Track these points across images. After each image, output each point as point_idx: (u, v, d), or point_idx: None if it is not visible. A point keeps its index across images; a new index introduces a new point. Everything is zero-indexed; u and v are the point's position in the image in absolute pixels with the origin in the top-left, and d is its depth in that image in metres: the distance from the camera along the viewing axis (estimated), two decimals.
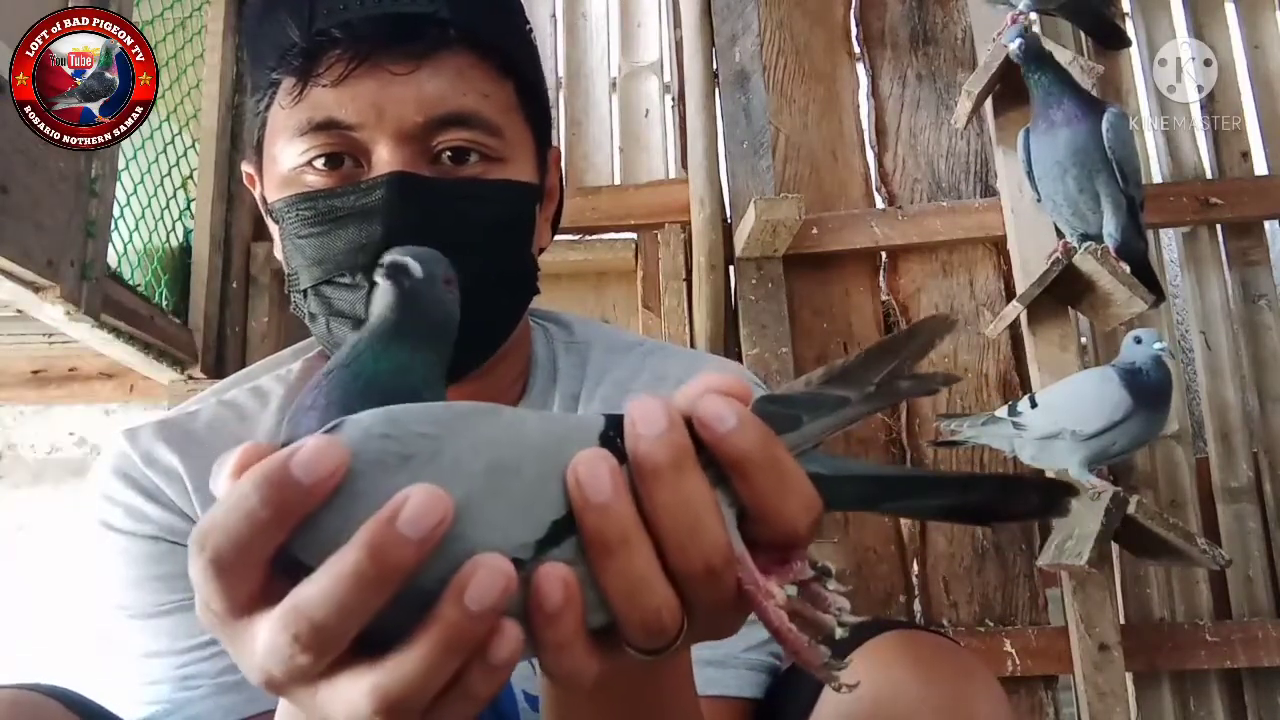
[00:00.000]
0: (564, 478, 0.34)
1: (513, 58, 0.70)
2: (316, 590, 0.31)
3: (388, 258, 0.43)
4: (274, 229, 0.71)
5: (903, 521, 1.70)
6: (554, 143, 0.77)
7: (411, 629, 0.32)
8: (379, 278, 0.42)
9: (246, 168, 0.76)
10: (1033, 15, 1.60)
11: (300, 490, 0.32)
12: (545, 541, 0.34)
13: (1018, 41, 1.48)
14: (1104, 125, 1.43)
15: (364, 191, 0.64)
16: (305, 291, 0.68)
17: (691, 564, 0.35)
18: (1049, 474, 1.58)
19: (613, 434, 0.36)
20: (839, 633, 0.37)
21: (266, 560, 0.33)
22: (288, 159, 0.66)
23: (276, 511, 0.32)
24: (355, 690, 0.33)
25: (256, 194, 0.74)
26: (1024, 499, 0.40)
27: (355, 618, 0.32)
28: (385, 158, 0.64)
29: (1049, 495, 0.39)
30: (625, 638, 0.35)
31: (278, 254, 0.72)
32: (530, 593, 0.33)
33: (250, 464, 0.33)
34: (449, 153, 0.66)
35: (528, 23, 0.75)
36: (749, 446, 0.35)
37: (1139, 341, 1.42)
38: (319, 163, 0.66)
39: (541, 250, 0.76)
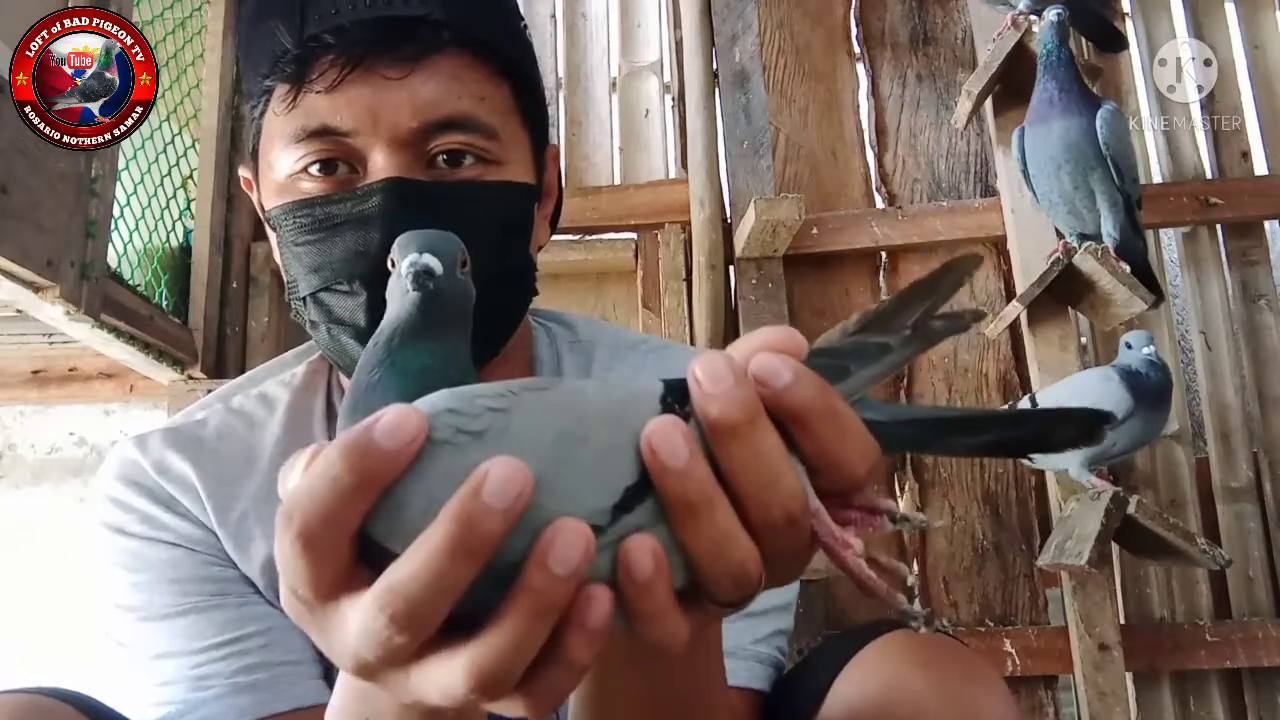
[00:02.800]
0: (633, 444, 0.35)
1: (508, 58, 0.69)
2: (410, 567, 0.32)
3: (407, 262, 0.42)
4: (272, 236, 0.70)
5: None
6: (552, 140, 0.77)
7: (497, 603, 0.33)
8: (408, 283, 0.42)
9: (244, 172, 0.75)
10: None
11: (384, 456, 0.32)
12: (620, 507, 0.34)
13: (1058, 9, 1.47)
14: (1098, 121, 1.42)
15: (360, 198, 0.64)
16: (305, 299, 0.68)
17: (772, 515, 0.35)
18: (1050, 471, 1.59)
19: (671, 399, 0.36)
20: (911, 579, 0.38)
21: (352, 535, 0.33)
22: (283, 166, 0.66)
23: (361, 479, 0.32)
24: (449, 668, 0.33)
25: (255, 199, 0.73)
26: (1064, 429, 0.42)
27: (449, 593, 0.32)
28: (381, 163, 0.64)
29: (1086, 423, 0.41)
30: (710, 594, 0.36)
31: (277, 259, 0.71)
32: (620, 566, 0.33)
33: None
34: (444, 156, 0.66)
35: (522, 20, 0.74)
36: (808, 399, 0.36)
37: (1130, 346, 1.42)
38: (314, 169, 0.65)
39: (540, 248, 0.76)
